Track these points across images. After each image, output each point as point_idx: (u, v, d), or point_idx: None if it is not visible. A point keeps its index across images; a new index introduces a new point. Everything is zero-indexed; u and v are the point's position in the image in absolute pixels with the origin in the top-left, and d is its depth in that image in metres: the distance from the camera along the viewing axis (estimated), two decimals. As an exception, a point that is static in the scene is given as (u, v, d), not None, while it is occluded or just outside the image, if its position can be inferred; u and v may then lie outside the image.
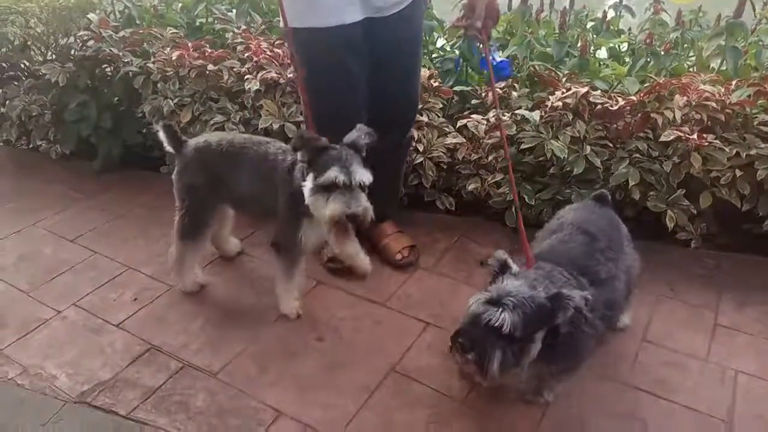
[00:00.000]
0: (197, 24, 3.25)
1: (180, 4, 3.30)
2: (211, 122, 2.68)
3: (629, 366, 1.88)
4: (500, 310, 1.39)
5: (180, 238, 2.16)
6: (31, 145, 3.39)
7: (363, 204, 1.73)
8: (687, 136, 2.21)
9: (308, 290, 2.25)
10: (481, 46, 2.03)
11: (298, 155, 1.85)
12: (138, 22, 3.24)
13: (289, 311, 2.11)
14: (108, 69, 2.97)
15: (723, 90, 2.33)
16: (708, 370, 1.86)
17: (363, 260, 2.20)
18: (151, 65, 2.82)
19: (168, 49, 2.84)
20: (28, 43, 3.24)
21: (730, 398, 1.76)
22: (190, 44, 2.80)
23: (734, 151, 2.21)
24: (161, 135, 2.12)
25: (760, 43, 2.62)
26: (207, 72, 2.73)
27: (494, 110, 2.47)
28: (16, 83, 3.22)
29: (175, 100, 2.77)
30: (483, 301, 1.44)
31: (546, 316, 1.41)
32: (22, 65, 3.28)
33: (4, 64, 3.25)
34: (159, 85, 2.82)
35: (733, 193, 2.24)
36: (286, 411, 1.76)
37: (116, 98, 3.01)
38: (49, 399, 1.82)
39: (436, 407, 1.77)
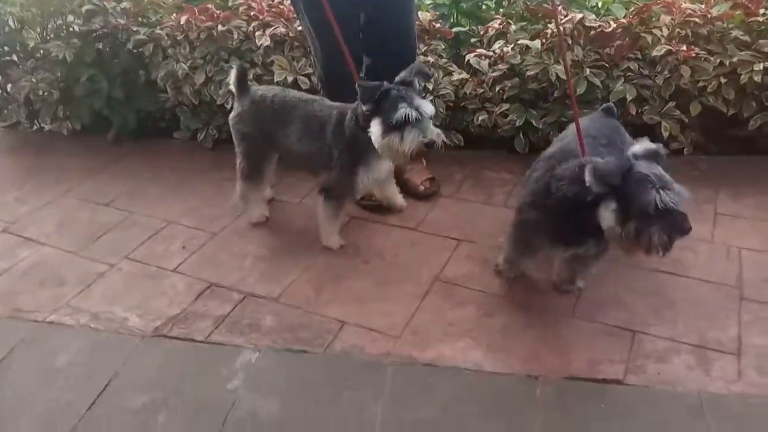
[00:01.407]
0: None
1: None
2: (226, 81, 2.79)
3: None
4: (676, 187, 1.53)
5: (242, 179, 2.35)
6: (34, 128, 3.45)
7: (435, 131, 1.91)
8: (676, 48, 2.42)
9: (344, 225, 2.41)
10: None
11: (359, 106, 1.98)
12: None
13: (332, 244, 2.28)
14: (116, 41, 3.03)
15: (703, 6, 2.54)
16: (715, 249, 2.10)
17: (399, 198, 2.43)
18: (159, 31, 2.91)
19: (174, 14, 2.92)
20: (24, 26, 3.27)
21: (737, 269, 2.00)
22: (195, 8, 2.89)
23: (718, 61, 2.44)
24: (232, 75, 2.25)
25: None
26: (216, 34, 2.83)
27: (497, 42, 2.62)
28: (19, 65, 3.25)
29: (188, 63, 2.87)
30: (666, 193, 1.50)
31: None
32: (19, 47, 3.31)
33: (3, 48, 3.27)
34: (170, 51, 2.91)
35: (719, 100, 2.47)
36: (349, 320, 1.93)
37: (125, 69, 3.07)
38: (125, 337, 1.96)
39: (482, 303, 1.97)
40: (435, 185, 2.59)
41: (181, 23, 2.86)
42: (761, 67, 2.33)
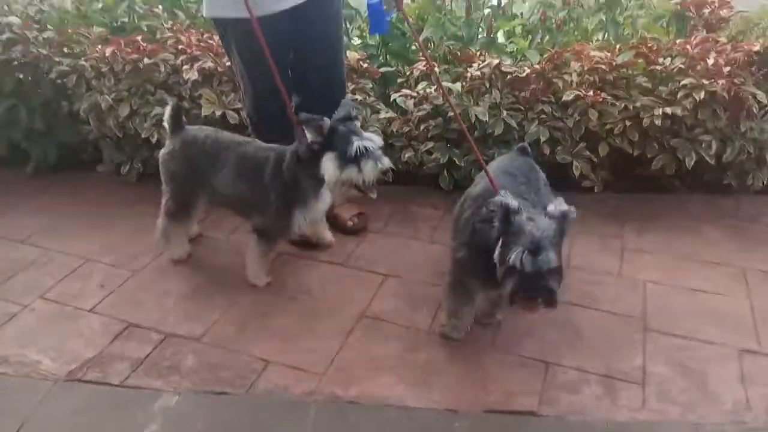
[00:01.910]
0: (119, 23, 3.28)
1: (101, 4, 3.30)
2: (151, 114, 2.77)
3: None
4: (545, 253, 1.55)
5: (166, 216, 2.31)
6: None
7: (387, 159, 1.98)
8: (585, 94, 2.61)
9: (272, 261, 2.41)
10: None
11: (300, 145, 2.02)
12: (57, 23, 3.22)
13: (258, 281, 2.27)
14: (37, 71, 2.94)
15: (609, 55, 2.75)
16: (622, 283, 2.25)
17: (328, 233, 2.48)
18: (83, 63, 2.85)
19: (100, 46, 2.87)
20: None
21: (642, 301, 2.15)
22: (122, 40, 2.85)
23: (623, 105, 2.63)
24: (167, 113, 2.23)
25: (634, 15, 3.08)
26: (142, 66, 2.80)
27: (435, 73, 2.72)
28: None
29: (112, 96, 2.81)
30: (528, 255, 1.55)
31: (562, 234, 1.63)
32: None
33: None
34: (94, 83, 2.85)
35: (625, 141, 2.66)
36: (273, 359, 1.93)
37: (47, 100, 2.98)
38: (37, 381, 1.87)
39: (407, 339, 2.02)
40: (363, 220, 2.64)
41: (107, 55, 2.81)
42: (661, 112, 2.54)
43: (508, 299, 1.62)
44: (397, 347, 1.98)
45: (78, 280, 2.33)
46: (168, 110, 2.24)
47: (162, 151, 2.30)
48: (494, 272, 1.73)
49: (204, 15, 2.25)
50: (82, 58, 2.89)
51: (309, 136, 1.99)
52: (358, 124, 2.04)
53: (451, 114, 2.68)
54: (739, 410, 1.72)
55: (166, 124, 2.27)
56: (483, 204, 1.83)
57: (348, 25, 3.30)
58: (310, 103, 2.28)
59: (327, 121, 1.98)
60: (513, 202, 1.63)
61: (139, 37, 2.87)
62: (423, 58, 2.99)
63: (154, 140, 2.76)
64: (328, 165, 1.98)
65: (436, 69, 2.90)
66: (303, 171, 2.07)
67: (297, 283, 2.29)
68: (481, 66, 2.71)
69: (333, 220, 2.61)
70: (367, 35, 3.33)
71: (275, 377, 1.86)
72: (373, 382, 1.85)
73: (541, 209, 1.68)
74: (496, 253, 1.66)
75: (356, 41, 3.34)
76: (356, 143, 1.93)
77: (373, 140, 1.97)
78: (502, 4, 3.74)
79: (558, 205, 1.64)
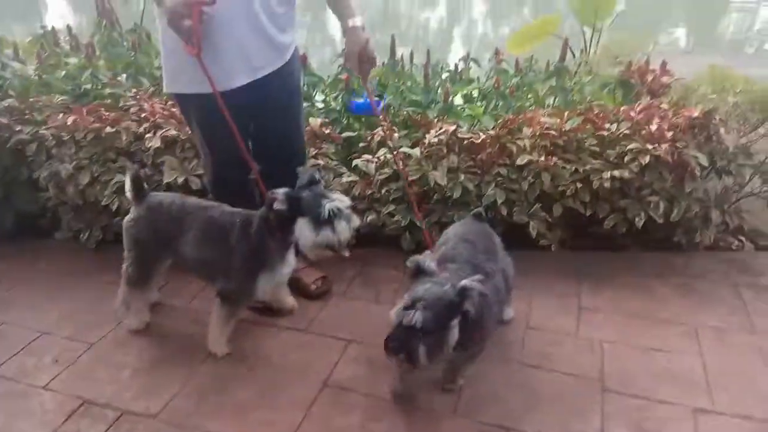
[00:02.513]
0: (82, 90, 3.31)
1: (63, 72, 3.34)
2: (113, 182, 2.77)
3: (519, 349, 2.26)
4: (414, 311, 1.67)
5: (126, 284, 2.29)
6: None
7: (356, 218, 2.04)
8: (537, 159, 2.72)
9: (232, 330, 2.39)
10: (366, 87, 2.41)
11: (268, 211, 2.04)
12: (19, 91, 3.23)
13: (218, 350, 2.25)
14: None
15: (559, 121, 2.88)
16: (579, 343, 2.29)
17: (290, 299, 2.49)
18: (44, 131, 2.85)
19: (61, 114, 2.89)
20: None
21: (599, 362, 2.19)
22: (84, 109, 2.88)
23: (573, 168, 2.75)
24: (127, 182, 2.24)
25: (582, 81, 3.26)
26: (104, 134, 2.82)
27: (389, 144, 2.80)
28: None
29: (72, 164, 2.81)
30: (401, 309, 1.70)
31: (456, 307, 1.71)
32: None
33: None
34: (54, 151, 2.85)
35: (577, 202, 2.76)
36: (232, 434, 1.90)
37: (5, 167, 2.96)
38: (-18, 467, 1.80)
39: (369, 408, 2.00)
40: (327, 284, 2.65)
41: (68, 124, 2.82)
42: (609, 175, 2.65)
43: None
44: (359, 417, 1.96)
45: (32, 355, 2.27)
46: (128, 179, 2.25)
47: (126, 218, 2.29)
48: None
49: (164, 90, 2.30)
50: (43, 127, 2.90)
51: (277, 205, 2.02)
52: (321, 187, 2.07)
53: (412, 177, 2.75)
54: (695, 472, 1.75)
55: (128, 193, 2.28)
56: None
57: (312, 91, 3.39)
58: (269, 171, 2.32)
59: (296, 190, 2.03)
60: (428, 264, 1.74)
61: (101, 107, 2.90)
62: (383, 123, 3.09)
63: (114, 207, 2.75)
64: (304, 230, 2.01)
65: (396, 135, 2.99)
66: (271, 236, 2.09)
67: (257, 352, 2.27)
68: (438, 133, 2.80)
69: (296, 285, 2.62)
70: (329, 100, 3.43)
71: (234, 454, 1.83)
72: (335, 455, 1.82)
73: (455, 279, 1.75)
74: None
75: (319, 105, 3.43)
76: (328, 206, 1.97)
77: (342, 200, 2.02)
78: (459, 70, 3.91)
79: (470, 281, 1.70)
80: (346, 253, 2.08)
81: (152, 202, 2.26)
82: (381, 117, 2.85)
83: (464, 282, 1.71)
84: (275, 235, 2.09)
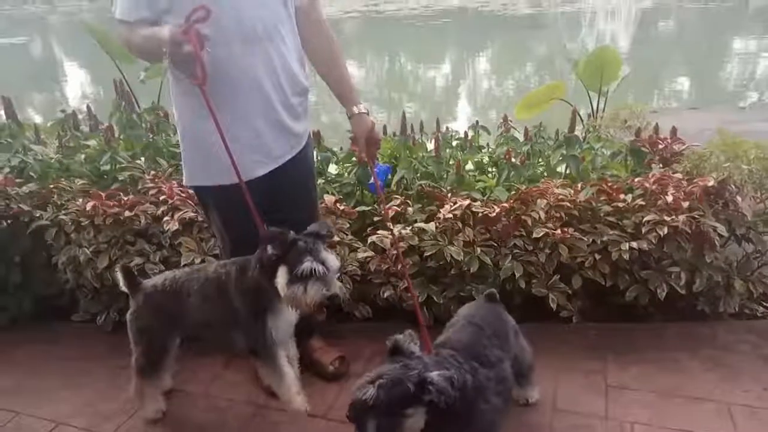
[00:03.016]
0: (101, 171, 3.38)
1: (83, 155, 3.42)
2: (132, 264, 2.78)
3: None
4: (370, 388, 1.61)
5: (138, 376, 2.26)
6: None
7: (338, 285, 1.96)
8: (552, 231, 2.71)
9: (251, 416, 2.34)
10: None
11: (264, 252, 2.01)
12: (39, 174, 3.31)
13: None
14: (16, 224, 2.98)
15: (572, 191, 2.89)
16: (609, 426, 2.21)
17: (299, 401, 2.22)
18: (63, 216, 2.90)
19: (80, 200, 2.94)
20: None
21: (631, 446, 2.11)
22: (102, 194, 2.92)
23: (591, 239, 2.73)
24: (119, 277, 2.25)
25: (593, 150, 3.28)
26: (122, 218, 2.86)
27: (389, 225, 2.81)
28: None
29: (91, 248, 2.84)
30: (364, 381, 1.65)
31: (414, 395, 1.62)
32: None
33: None
34: (73, 236, 2.89)
35: (596, 273, 2.73)
36: None
37: (24, 251, 3.00)
38: None
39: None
40: (344, 365, 2.60)
41: (87, 209, 2.87)
42: (627, 247, 2.63)
43: None
44: None
45: (46, 449, 2.22)
46: (119, 274, 2.26)
47: (128, 313, 2.29)
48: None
49: (185, 183, 2.34)
50: (63, 212, 2.94)
51: (270, 247, 1.99)
52: (320, 244, 2.01)
53: (426, 254, 2.75)
54: None
55: (122, 287, 2.28)
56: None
57: (325, 167, 3.45)
58: None
59: (287, 234, 1.99)
60: (408, 344, 1.72)
61: (120, 192, 2.95)
62: (398, 196, 3.11)
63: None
64: (280, 278, 1.97)
65: (410, 208, 3.00)
66: (267, 279, 2.04)
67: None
68: (452, 208, 2.81)
69: (313, 366, 2.58)
70: (343, 172, 3.47)
71: None
72: None
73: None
74: None
75: (332, 177, 3.47)
76: (306, 263, 1.91)
77: (327, 263, 1.95)
78: (469, 138, 3.97)
79: (437, 374, 1.64)
80: (321, 316, 2.03)
81: (147, 289, 2.25)
82: (380, 196, 2.87)
83: (428, 374, 1.64)
84: (270, 278, 2.02)
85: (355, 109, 2.31)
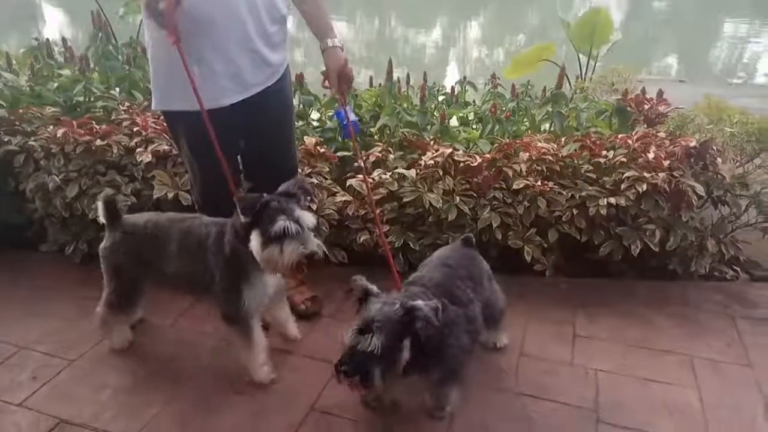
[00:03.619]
0: (74, 102, 3.27)
1: (56, 84, 3.30)
2: (101, 195, 2.71)
3: (513, 377, 2.20)
4: (370, 336, 1.63)
5: (106, 306, 2.22)
6: None
7: (316, 242, 1.88)
8: (533, 183, 2.69)
9: (218, 349, 2.33)
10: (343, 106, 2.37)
11: (237, 218, 1.95)
12: (10, 102, 3.19)
13: (261, 378, 2.14)
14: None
15: (555, 146, 2.87)
16: (574, 372, 2.24)
17: (293, 327, 2.39)
18: (33, 143, 2.80)
19: (51, 126, 2.84)
20: None
21: (594, 392, 2.14)
22: (75, 122, 2.83)
23: (570, 194, 2.73)
24: (100, 208, 2.19)
25: (578, 107, 3.26)
26: (94, 147, 2.78)
27: (360, 162, 2.76)
28: None
29: (60, 176, 2.76)
30: (356, 332, 1.66)
31: (405, 328, 1.67)
32: None
33: None
34: (42, 163, 2.80)
35: (573, 228, 2.74)
36: (214, 461, 1.82)
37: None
38: (-52, 490, 1.71)
39: (357, 435, 1.94)
40: (317, 304, 2.59)
41: (58, 136, 2.78)
42: (605, 202, 2.63)
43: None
44: (346, 445, 1.90)
45: (9, 371, 2.19)
46: (100, 206, 2.20)
47: (102, 246, 2.22)
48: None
49: (153, 108, 2.26)
50: (32, 138, 2.84)
51: (240, 212, 1.92)
52: (294, 201, 1.94)
53: (405, 200, 2.72)
54: None
55: (101, 219, 2.22)
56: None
57: (307, 110, 3.37)
58: (261, 190, 2.26)
59: (257, 197, 1.92)
60: (370, 286, 1.73)
61: (92, 120, 2.86)
62: (379, 144, 3.07)
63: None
64: (254, 242, 1.90)
65: (391, 155, 2.96)
66: (242, 246, 1.97)
67: (244, 375, 2.19)
68: (434, 155, 2.78)
69: None
70: (325, 119, 3.40)
71: (215, 481, 1.75)
72: (320, 485, 1.75)
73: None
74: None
75: (315, 123, 3.40)
76: (279, 223, 1.84)
77: (302, 221, 1.88)
78: (455, 93, 3.92)
79: (420, 302, 1.69)
80: (299, 276, 1.99)
81: (126, 226, 2.19)
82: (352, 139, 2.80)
83: (412, 302, 1.68)
84: (246, 245, 1.95)
85: (329, 42, 2.22)
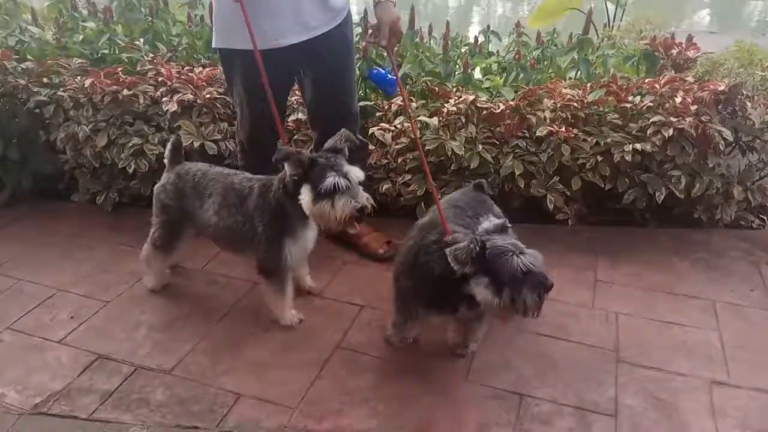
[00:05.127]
0: (99, 55, 3.30)
1: (81, 36, 3.33)
2: (129, 144, 2.77)
3: (533, 319, 2.22)
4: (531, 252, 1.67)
5: (151, 245, 2.31)
6: None
7: (365, 196, 1.91)
8: (557, 130, 2.67)
9: (247, 291, 2.40)
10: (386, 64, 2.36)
11: (287, 173, 1.97)
12: (36, 55, 3.23)
13: (289, 321, 2.21)
14: (14, 100, 2.94)
15: (581, 92, 2.83)
16: (595, 315, 2.27)
17: (308, 278, 2.41)
18: (62, 93, 2.85)
19: (78, 77, 2.89)
20: None
21: (614, 333, 2.17)
22: (101, 72, 2.87)
23: (594, 141, 2.70)
24: (168, 147, 2.27)
25: (605, 54, 3.19)
26: (121, 97, 2.82)
27: (408, 112, 2.76)
28: None
29: (90, 126, 2.82)
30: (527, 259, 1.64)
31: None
32: None
33: None
34: (71, 113, 2.86)
35: (596, 176, 2.72)
36: (245, 392, 1.90)
37: (23, 129, 2.97)
38: (1, 415, 1.82)
39: (381, 371, 2.01)
40: (392, 247, 2.64)
41: (86, 86, 2.82)
42: (631, 148, 2.60)
43: (522, 310, 1.65)
44: (371, 379, 1.97)
45: (48, 311, 2.29)
46: (168, 145, 2.28)
47: (157, 184, 2.31)
48: (436, 300, 1.83)
49: (213, 45, 2.29)
50: (61, 89, 2.90)
51: (288, 168, 1.96)
52: (342, 155, 1.96)
53: (427, 148, 2.72)
54: (710, 442, 1.74)
55: (165, 159, 2.30)
56: (426, 234, 1.88)
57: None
58: (323, 136, 2.26)
59: (305, 154, 1.96)
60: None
61: (119, 69, 2.89)
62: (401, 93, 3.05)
63: (131, 170, 2.76)
64: (304, 197, 1.93)
65: (414, 104, 2.95)
66: (290, 200, 2.01)
67: (272, 314, 2.26)
68: (457, 102, 2.77)
69: (364, 248, 2.66)
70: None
71: (247, 411, 1.84)
72: (346, 415, 1.83)
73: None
74: (483, 290, 1.67)
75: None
76: (330, 178, 1.87)
77: (351, 176, 1.91)
78: (479, 43, 3.85)
79: (492, 221, 1.75)
80: (352, 230, 2.00)
81: (180, 170, 2.25)
82: (398, 92, 2.79)
83: (497, 221, 1.73)
84: (293, 200, 1.99)
85: None
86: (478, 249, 1.64)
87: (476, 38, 3.91)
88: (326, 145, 2.00)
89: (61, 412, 1.83)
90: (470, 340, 2.04)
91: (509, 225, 1.76)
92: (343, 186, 1.88)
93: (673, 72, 3.02)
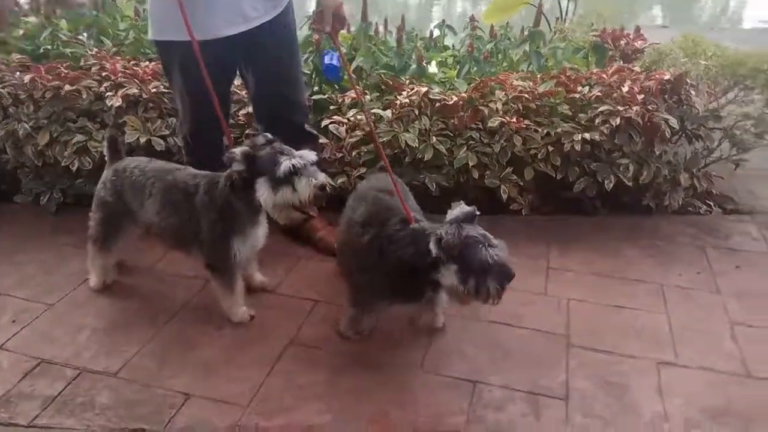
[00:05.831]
0: (42, 50, 3.18)
1: (21, 31, 3.21)
2: (73, 142, 2.68)
3: (487, 308, 2.23)
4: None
5: (90, 242, 2.24)
6: None
7: (323, 175, 1.87)
8: (509, 120, 2.69)
9: (199, 289, 2.35)
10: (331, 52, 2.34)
11: (233, 169, 1.90)
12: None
13: (240, 318, 2.16)
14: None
15: (532, 84, 2.86)
16: (547, 301, 2.29)
17: (259, 276, 2.36)
18: (1, 90, 2.74)
19: (18, 73, 2.78)
20: None
21: (566, 319, 2.20)
22: (42, 67, 2.77)
23: (545, 131, 2.73)
24: (105, 144, 2.21)
25: (556, 46, 3.23)
26: (63, 93, 2.72)
27: (359, 106, 2.74)
28: None
29: (30, 123, 2.71)
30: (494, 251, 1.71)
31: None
32: None
33: None
34: (11, 110, 2.74)
35: (548, 166, 2.75)
36: (195, 392, 1.85)
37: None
38: (-68, 427, 1.74)
39: (334, 365, 1.98)
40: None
41: (25, 82, 2.71)
42: (580, 138, 2.64)
43: (484, 297, 1.72)
44: (324, 374, 1.94)
45: (-13, 316, 2.19)
46: (105, 143, 2.23)
47: (101, 180, 2.25)
48: (405, 287, 1.84)
49: (149, 37, 2.22)
50: (0, 85, 2.78)
51: (235, 165, 1.90)
52: (280, 143, 1.91)
53: (382, 140, 2.71)
54: (657, 422, 1.77)
55: (105, 154, 2.24)
56: (385, 224, 1.88)
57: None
58: (271, 129, 2.19)
59: (253, 142, 1.92)
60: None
61: (62, 65, 2.79)
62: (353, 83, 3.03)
63: (74, 169, 2.67)
64: (262, 190, 1.87)
65: (367, 97, 2.94)
66: (238, 198, 1.96)
67: (224, 312, 2.21)
68: (410, 94, 2.76)
69: (319, 243, 2.62)
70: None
71: (196, 411, 1.79)
72: (300, 411, 1.80)
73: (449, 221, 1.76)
74: (451, 276, 1.72)
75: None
76: (284, 163, 1.82)
77: (303, 157, 1.86)
78: (434, 37, 3.86)
79: (462, 208, 1.77)
80: (313, 213, 1.98)
81: (119, 167, 2.18)
82: (347, 77, 2.74)
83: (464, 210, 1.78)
84: (242, 197, 1.95)
85: None
86: (461, 240, 1.68)
87: (431, 32, 3.92)
88: (260, 141, 1.93)
89: (0, 420, 1.75)
90: (439, 313, 2.09)
91: (478, 213, 1.79)
92: (300, 165, 1.83)
93: (622, 62, 3.08)
